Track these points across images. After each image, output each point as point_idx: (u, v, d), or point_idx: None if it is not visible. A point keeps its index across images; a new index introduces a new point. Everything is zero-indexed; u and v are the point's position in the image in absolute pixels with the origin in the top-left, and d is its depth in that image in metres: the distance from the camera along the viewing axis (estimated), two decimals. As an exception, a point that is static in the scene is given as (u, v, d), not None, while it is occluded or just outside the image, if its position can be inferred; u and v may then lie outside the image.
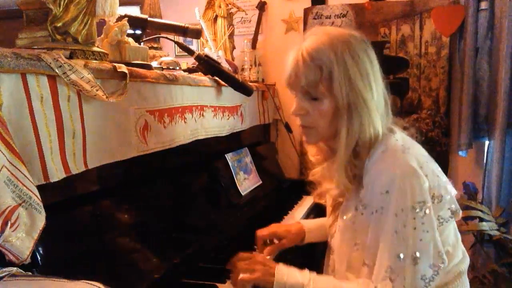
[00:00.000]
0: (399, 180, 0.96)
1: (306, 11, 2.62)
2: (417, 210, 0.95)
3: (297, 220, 1.73)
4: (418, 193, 0.95)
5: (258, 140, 2.42)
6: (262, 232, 1.38)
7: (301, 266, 1.16)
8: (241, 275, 1.11)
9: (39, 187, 0.83)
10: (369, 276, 1.01)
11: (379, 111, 1.03)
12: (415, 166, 0.97)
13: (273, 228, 1.41)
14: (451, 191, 1.06)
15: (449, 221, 1.02)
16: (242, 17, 2.71)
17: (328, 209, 1.28)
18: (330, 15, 2.58)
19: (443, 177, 1.06)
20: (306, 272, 1.10)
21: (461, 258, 1.10)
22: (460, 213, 1.06)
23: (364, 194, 1.02)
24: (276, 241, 1.40)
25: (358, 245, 1.06)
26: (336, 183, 1.07)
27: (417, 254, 0.94)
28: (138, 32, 1.57)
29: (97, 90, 0.97)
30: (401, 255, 0.95)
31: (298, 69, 1.02)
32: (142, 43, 1.55)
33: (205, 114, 1.63)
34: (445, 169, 2.47)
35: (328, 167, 1.14)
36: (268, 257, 1.32)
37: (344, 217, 1.10)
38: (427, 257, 0.95)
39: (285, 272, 1.09)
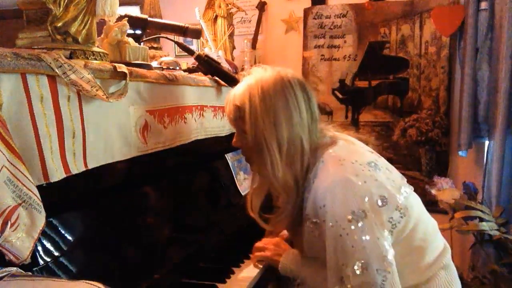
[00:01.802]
0: (331, 193, 0.98)
1: (306, 11, 2.62)
2: (354, 218, 0.95)
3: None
4: (352, 202, 0.96)
5: (258, 140, 2.41)
6: None
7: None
8: (255, 253, 1.31)
9: (39, 187, 0.83)
10: None
11: (292, 153, 1.06)
12: (348, 175, 0.98)
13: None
14: (400, 189, 1.04)
15: (400, 221, 1.01)
16: (242, 17, 2.71)
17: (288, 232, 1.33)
18: (330, 15, 2.58)
19: (389, 179, 1.04)
20: (308, 259, 1.17)
21: (442, 249, 1.11)
22: (409, 212, 1.03)
23: (309, 210, 1.05)
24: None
25: (319, 258, 1.07)
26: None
27: (362, 262, 0.94)
28: (138, 32, 1.57)
29: (97, 90, 0.97)
30: (346, 265, 0.95)
31: (227, 108, 1.14)
32: (142, 43, 1.55)
33: (205, 114, 1.63)
34: (445, 169, 2.47)
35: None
36: None
37: (304, 236, 1.12)
38: (373, 263, 0.94)
39: (289, 257, 1.21)
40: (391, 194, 1.01)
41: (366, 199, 0.97)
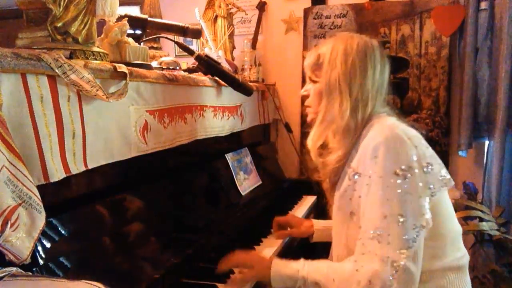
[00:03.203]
0: (385, 146, 1.04)
1: (306, 11, 2.62)
2: (401, 174, 1.01)
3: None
4: (403, 158, 1.02)
5: (258, 140, 2.42)
6: (279, 218, 1.61)
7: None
8: (240, 274, 1.20)
9: (39, 187, 0.83)
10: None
11: (361, 100, 1.14)
12: (402, 135, 1.05)
13: (289, 216, 1.66)
14: (442, 164, 1.10)
15: (440, 190, 1.06)
16: (242, 17, 2.71)
17: (328, 196, 1.33)
18: (330, 15, 2.58)
19: (436, 156, 1.10)
20: (300, 260, 1.13)
21: (464, 253, 1.15)
22: (452, 183, 1.10)
23: (357, 163, 1.11)
24: (288, 228, 1.59)
25: (353, 214, 1.11)
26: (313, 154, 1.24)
27: (401, 215, 0.99)
28: (138, 32, 1.57)
29: (97, 90, 0.97)
30: (386, 215, 1.00)
31: (308, 59, 1.23)
32: (142, 43, 1.55)
33: (205, 114, 1.63)
34: (445, 169, 2.47)
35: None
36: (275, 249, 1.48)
37: (339, 189, 1.18)
38: (410, 218, 0.99)
39: (280, 264, 1.14)
40: (437, 164, 1.07)
41: (415, 158, 1.03)
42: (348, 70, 1.14)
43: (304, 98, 1.27)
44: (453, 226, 1.14)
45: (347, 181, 1.14)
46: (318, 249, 1.56)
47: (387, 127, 1.08)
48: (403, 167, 1.01)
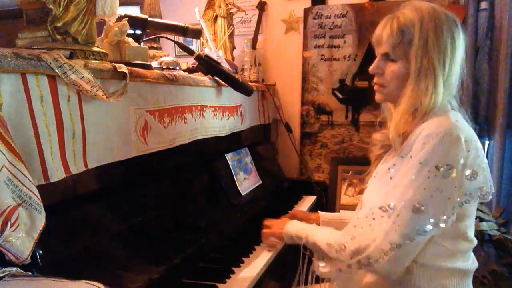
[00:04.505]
0: (439, 138, 1.00)
1: (306, 11, 2.62)
2: (441, 170, 0.99)
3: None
4: (450, 157, 1.00)
5: (258, 140, 2.42)
6: (286, 216, 1.58)
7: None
8: (263, 230, 1.44)
9: (39, 187, 0.83)
10: None
11: (445, 86, 1.09)
12: (461, 135, 1.01)
13: (295, 211, 1.66)
14: (488, 177, 1.08)
15: (475, 201, 1.06)
16: (242, 17, 2.71)
17: (372, 161, 1.32)
18: (330, 15, 2.58)
19: (486, 165, 1.09)
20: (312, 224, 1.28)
21: (473, 260, 1.19)
22: (489, 197, 1.09)
23: (406, 146, 1.08)
24: None
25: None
26: (388, 134, 1.16)
27: (421, 205, 0.99)
28: (138, 32, 1.57)
29: (97, 90, 0.97)
30: (406, 199, 1.00)
31: (385, 30, 1.14)
32: (142, 43, 1.55)
33: (205, 114, 1.63)
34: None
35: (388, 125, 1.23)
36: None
37: (382, 165, 1.18)
38: (429, 213, 0.99)
39: (292, 224, 1.31)
40: (482, 175, 1.05)
41: (462, 162, 1.01)
42: (442, 55, 1.08)
43: (369, 75, 1.21)
44: (471, 234, 1.16)
45: (392, 161, 1.13)
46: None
47: (450, 122, 1.04)
48: (446, 164, 0.99)
